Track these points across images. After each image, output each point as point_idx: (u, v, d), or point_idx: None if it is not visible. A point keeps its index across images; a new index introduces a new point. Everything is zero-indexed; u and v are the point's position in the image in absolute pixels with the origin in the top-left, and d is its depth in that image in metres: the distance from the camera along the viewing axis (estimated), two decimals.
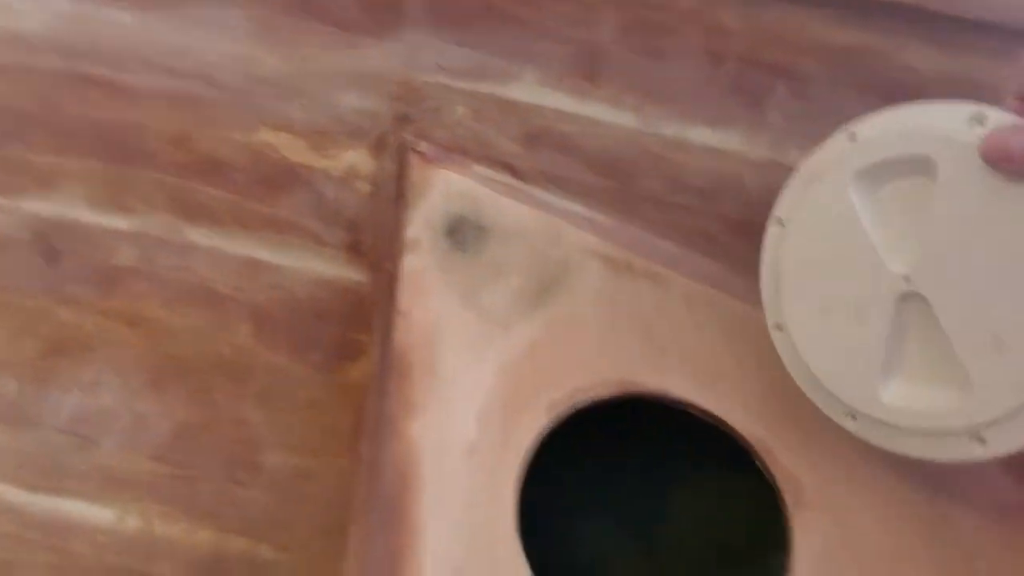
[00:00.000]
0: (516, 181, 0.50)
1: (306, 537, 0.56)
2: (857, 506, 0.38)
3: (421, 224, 0.46)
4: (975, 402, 0.32)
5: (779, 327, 0.39)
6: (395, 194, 0.48)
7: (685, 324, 0.43)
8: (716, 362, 0.41)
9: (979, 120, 0.31)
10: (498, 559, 0.32)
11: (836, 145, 0.38)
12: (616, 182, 0.48)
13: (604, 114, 0.47)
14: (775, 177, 0.42)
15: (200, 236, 0.60)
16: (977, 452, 0.32)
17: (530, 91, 0.49)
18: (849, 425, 0.37)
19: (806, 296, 0.38)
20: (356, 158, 0.55)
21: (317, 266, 0.58)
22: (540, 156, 0.49)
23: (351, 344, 0.57)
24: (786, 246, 0.39)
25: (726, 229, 0.46)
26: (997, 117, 0.31)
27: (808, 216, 0.38)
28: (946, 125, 0.32)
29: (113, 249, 0.61)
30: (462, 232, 0.46)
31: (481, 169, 0.50)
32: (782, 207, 0.40)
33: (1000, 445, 0.31)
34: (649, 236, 0.47)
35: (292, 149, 0.57)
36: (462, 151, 0.51)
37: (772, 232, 0.40)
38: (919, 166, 0.33)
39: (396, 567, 0.31)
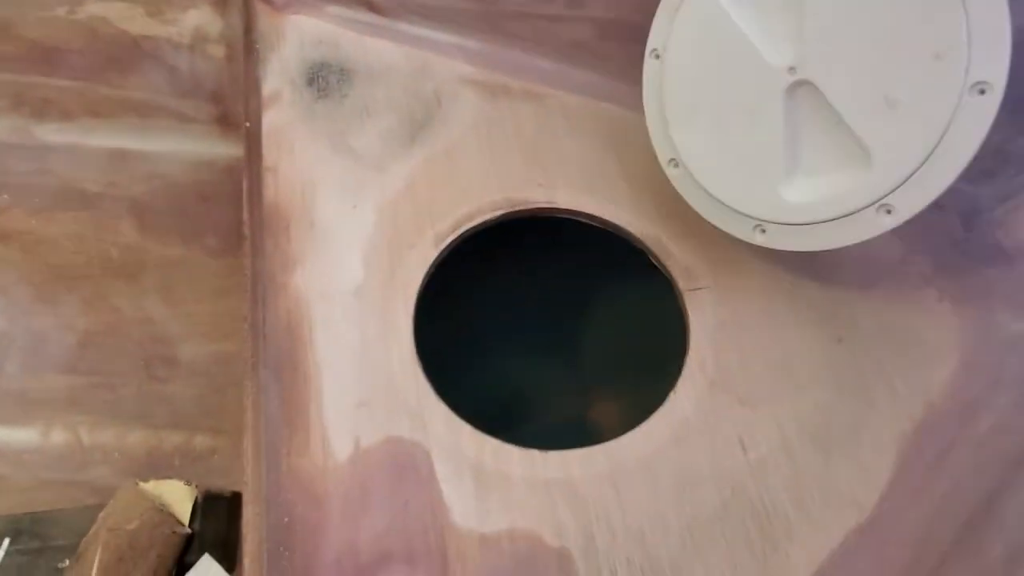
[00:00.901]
0: (376, 17, 0.46)
1: (238, 418, 0.55)
2: (741, 285, 0.39)
3: (278, 76, 0.43)
4: (877, 172, 0.32)
5: (674, 162, 0.39)
6: (245, 46, 0.44)
7: (567, 138, 0.42)
8: (602, 170, 0.41)
9: None
10: (402, 387, 0.33)
11: None
12: (481, 2, 0.45)
13: None
14: None
15: (53, 133, 0.55)
16: (887, 222, 0.32)
17: None
18: (759, 239, 0.37)
19: (697, 121, 0.37)
20: (200, 18, 0.50)
21: (189, 146, 0.54)
22: None
23: (243, 223, 0.55)
24: (667, 76, 0.38)
25: (597, 34, 0.44)
26: None
27: (683, 39, 0.38)
28: None
29: None
30: (324, 78, 0.43)
31: (336, 9, 0.46)
32: (655, 38, 0.39)
33: (907, 209, 0.31)
34: (522, 55, 0.45)
35: (127, 19, 0.51)
36: None
37: (650, 66, 0.39)
38: None
39: (294, 415, 0.31)
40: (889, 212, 0.32)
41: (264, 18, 0.44)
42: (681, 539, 0.29)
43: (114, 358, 0.57)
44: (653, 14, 0.40)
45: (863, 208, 0.32)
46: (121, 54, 0.52)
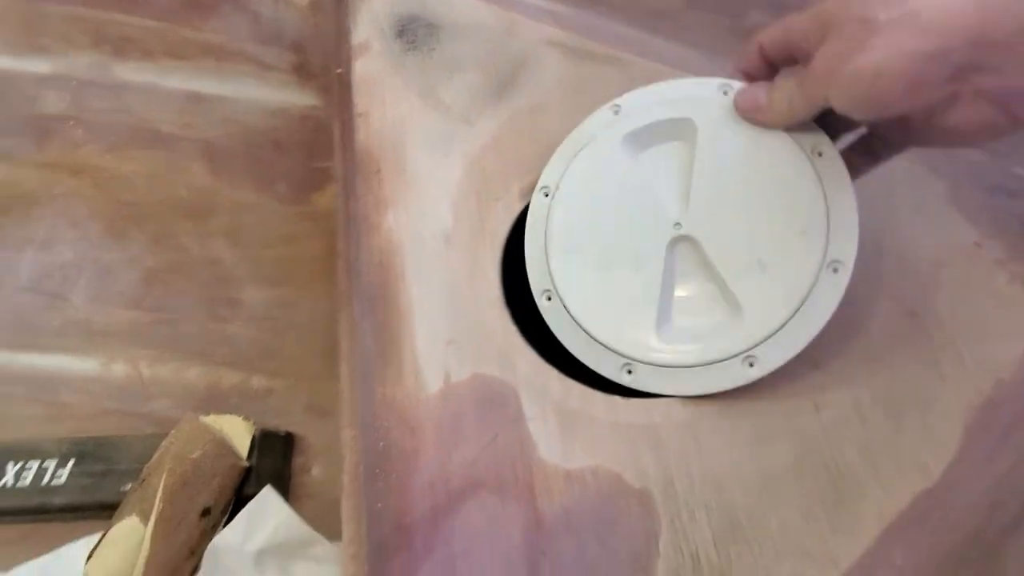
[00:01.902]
0: None
1: (295, 362, 0.57)
2: None
3: (368, 27, 0.44)
4: (746, 325, 0.34)
5: (548, 294, 0.38)
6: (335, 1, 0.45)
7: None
8: None
9: (725, 90, 0.37)
10: (490, 329, 0.34)
11: (601, 116, 0.41)
12: None
13: None
14: None
15: (131, 72, 0.57)
16: (751, 373, 0.34)
17: None
18: (625, 379, 0.36)
19: (579, 258, 0.38)
20: None
21: (266, 93, 0.55)
22: None
23: (315, 172, 0.56)
24: (555, 214, 0.39)
25: (683, 4, 0.45)
26: (739, 86, 0.37)
27: (577, 182, 0.40)
28: (701, 93, 0.38)
29: (38, 96, 0.58)
30: (412, 31, 0.44)
31: None
32: (548, 177, 0.40)
33: (769, 363, 0.33)
34: (606, 21, 0.46)
35: None
36: None
37: (538, 202, 0.40)
38: (679, 129, 0.38)
39: (387, 346, 0.32)
40: (752, 365, 0.34)
41: None
42: (756, 489, 0.30)
43: (178, 296, 0.58)
44: None
45: (730, 358, 0.34)
46: None
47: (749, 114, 0.35)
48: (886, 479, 0.31)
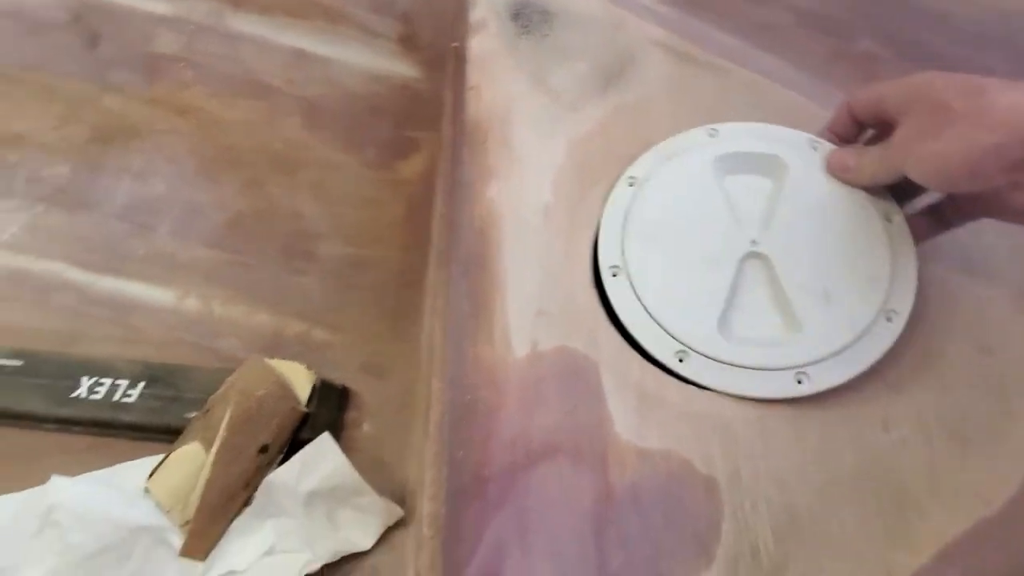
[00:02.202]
0: None
1: (358, 321, 0.59)
2: None
3: (486, 7, 0.45)
4: (801, 344, 0.37)
5: (615, 271, 0.40)
6: None
7: (746, 113, 0.43)
8: None
9: (814, 145, 0.43)
10: (579, 306, 0.36)
11: (697, 134, 0.44)
12: None
13: None
14: None
15: (245, 24, 0.59)
16: (799, 389, 0.36)
17: None
18: (677, 365, 0.38)
19: (652, 247, 0.41)
20: None
21: (370, 60, 0.57)
22: None
23: (405, 141, 0.58)
24: (637, 203, 0.42)
25: (793, 21, 0.46)
26: (826, 145, 0.43)
27: (664, 182, 0.43)
28: (792, 139, 0.43)
29: (154, 35, 0.61)
30: (527, 16, 0.46)
31: None
32: (636, 170, 0.43)
33: (817, 384, 0.36)
34: (712, 30, 0.47)
35: None
36: None
37: (622, 190, 0.43)
38: (767, 164, 0.43)
39: (480, 309, 0.34)
40: (800, 381, 0.36)
41: None
42: (819, 492, 0.31)
43: (258, 242, 0.61)
44: (855, 10, 0.42)
45: (782, 369, 0.37)
46: None
47: (838, 173, 0.41)
48: (947, 503, 0.32)
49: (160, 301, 0.60)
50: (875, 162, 0.38)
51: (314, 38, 0.57)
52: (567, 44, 0.45)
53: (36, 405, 0.53)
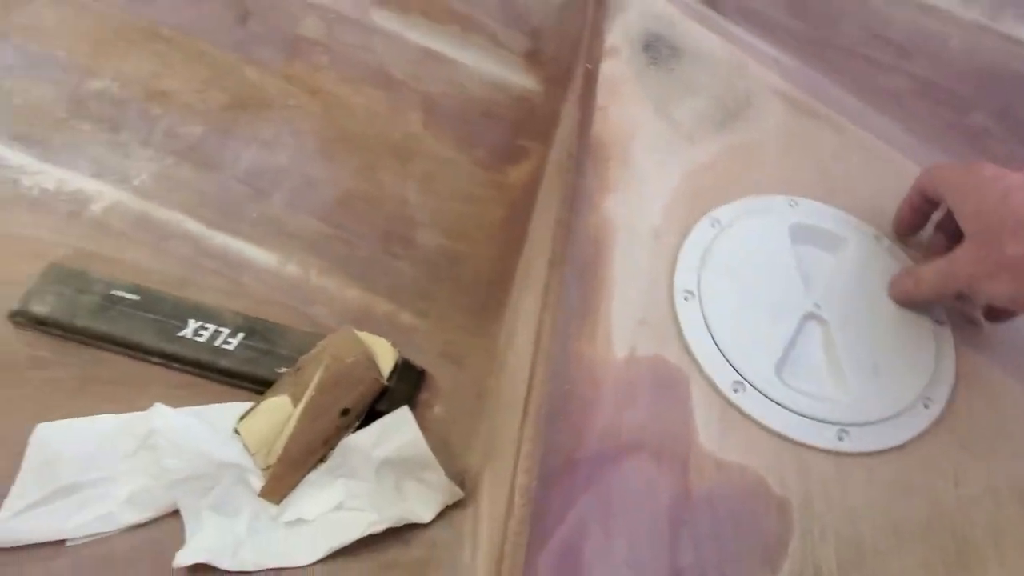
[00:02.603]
0: (711, 12, 0.52)
1: (445, 310, 0.63)
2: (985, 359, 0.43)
3: (620, 35, 0.49)
4: (847, 405, 0.40)
5: (687, 296, 0.43)
6: (596, 2, 0.50)
7: (858, 172, 0.46)
8: (883, 209, 0.45)
9: (877, 237, 0.48)
10: (677, 320, 0.38)
11: (780, 201, 0.47)
12: (812, 26, 0.50)
13: None
14: (983, 44, 0.43)
15: (384, 20, 0.64)
16: (840, 445, 0.39)
17: None
18: (731, 396, 0.40)
19: (726, 282, 0.44)
20: None
21: (494, 68, 0.61)
22: None
23: (515, 148, 0.62)
24: (719, 242, 0.46)
25: (914, 89, 0.48)
26: (886, 240, 0.48)
27: (744, 231, 0.46)
28: (861, 227, 0.48)
29: (300, 18, 0.66)
30: (657, 48, 0.49)
31: None
32: (722, 214, 0.47)
33: (858, 444, 0.39)
34: (833, 86, 0.49)
35: None
36: None
37: (705, 228, 0.46)
38: (836, 242, 0.47)
39: (587, 310, 0.37)
40: (841, 439, 0.39)
41: None
42: (885, 532, 0.33)
43: (362, 222, 0.65)
44: (972, 84, 0.44)
45: (827, 423, 0.39)
46: None
47: (901, 300, 0.45)
48: (1010, 565, 0.33)
49: (264, 262, 0.65)
50: (934, 287, 0.42)
51: (445, 41, 0.62)
52: (691, 80, 0.48)
53: (146, 338, 0.58)
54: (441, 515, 0.53)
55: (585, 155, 0.42)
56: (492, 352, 0.63)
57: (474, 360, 0.62)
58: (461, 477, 0.54)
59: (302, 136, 0.65)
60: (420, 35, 0.62)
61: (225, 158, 0.67)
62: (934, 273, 0.41)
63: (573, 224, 0.40)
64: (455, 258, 0.64)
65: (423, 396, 0.60)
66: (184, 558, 0.48)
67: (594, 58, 0.47)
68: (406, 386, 0.59)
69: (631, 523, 0.31)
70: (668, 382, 0.36)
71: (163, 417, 0.52)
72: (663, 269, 0.41)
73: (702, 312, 0.41)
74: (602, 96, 0.45)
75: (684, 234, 0.42)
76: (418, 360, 0.61)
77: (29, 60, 0.69)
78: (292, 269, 0.65)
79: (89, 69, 0.68)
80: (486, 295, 0.63)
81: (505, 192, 0.63)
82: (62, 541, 0.50)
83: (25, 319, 0.58)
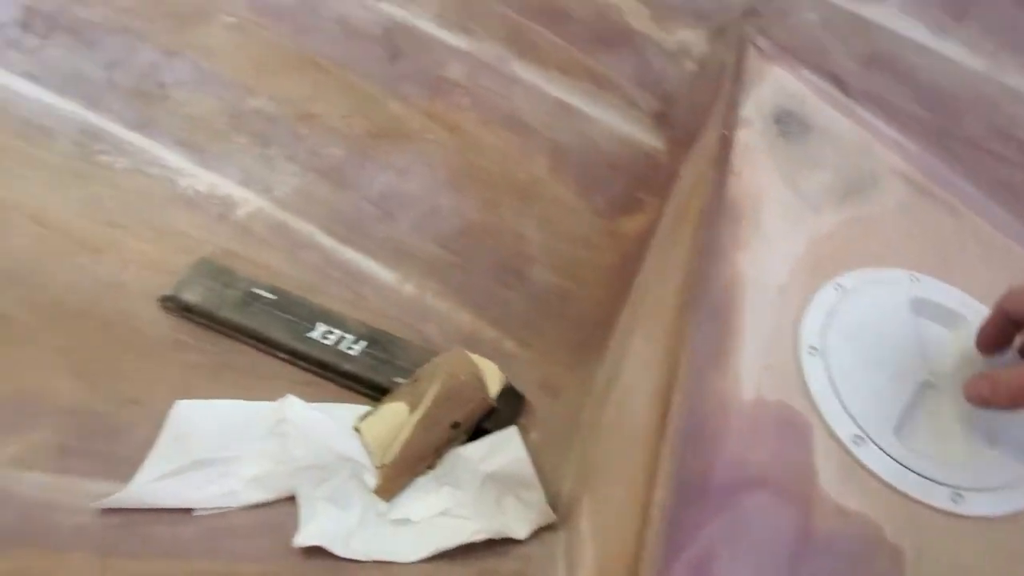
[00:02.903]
0: (841, 94, 0.56)
1: (550, 343, 0.67)
2: None
3: (753, 108, 0.53)
4: (964, 471, 0.42)
5: (812, 351, 0.45)
6: (733, 75, 0.55)
7: (975, 256, 0.49)
8: (998, 293, 0.47)
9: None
10: (802, 371, 0.42)
11: (899, 275, 0.50)
12: (939, 117, 0.54)
13: (957, 54, 0.52)
14: None
15: (524, 71, 0.70)
16: (951, 507, 0.40)
17: (890, 15, 0.54)
18: (851, 447, 0.42)
19: (851, 345, 0.47)
20: (692, 38, 0.63)
21: (622, 125, 0.67)
22: (874, 78, 0.55)
23: (633, 200, 0.66)
24: (844, 306, 0.48)
25: None
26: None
27: (870, 301, 0.49)
28: (980, 310, 0.48)
29: (447, 62, 0.73)
30: (787, 123, 0.53)
31: (810, 75, 0.56)
32: (846, 281, 0.49)
33: (971, 508, 0.40)
34: (953, 173, 0.53)
35: (635, 15, 0.65)
36: (798, 54, 0.57)
37: (830, 291, 0.48)
38: (954, 320, 0.49)
39: (719, 352, 0.41)
40: (955, 501, 0.40)
41: (753, 60, 0.55)
42: None
43: (480, 252, 0.70)
44: None
45: (944, 484, 0.41)
46: (613, 37, 0.65)
47: (976, 403, 0.44)
48: None
49: (385, 279, 0.71)
50: (1011, 395, 0.42)
51: (578, 95, 0.67)
52: (818, 154, 0.52)
53: (280, 335, 0.63)
54: (535, 534, 0.56)
55: (719, 213, 0.46)
56: (588, 387, 0.66)
57: (570, 393, 0.66)
58: (553, 501, 0.57)
59: (434, 168, 0.71)
60: (556, 88, 0.68)
61: (361, 180, 0.73)
62: (1010, 383, 0.41)
63: (707, 273, 0.44)
64: (563, 296, 0.68)
65: (521, 421, 0.63)
66: (303, 539, 0.52)
67: (730, 126, 0.51)
68: (509, 409, 0.62)
69: (756, 551, 0.34)
70: (792, 426, 0.39)
71: (294, 408, 0.57)
72: (789, 323, 0.44)
73: (826, 367, 0.44)
74: (736, 161, 0.50)
75: (809, 294, 0.46)
76: (517, 387, 0.65)
77: (199, 75, 0.77)
78: (410, 288, 0.70)
79: (250, 88, 0.76)
80: (588, 334, 0.67)
81: (618, 240, 0.67)
82: (189, 510, 0.55)
83: (174, 305, 0.64)
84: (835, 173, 0.52)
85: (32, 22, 0.79)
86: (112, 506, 0.53)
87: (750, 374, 0.41)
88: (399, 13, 0.73)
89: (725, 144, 0.51)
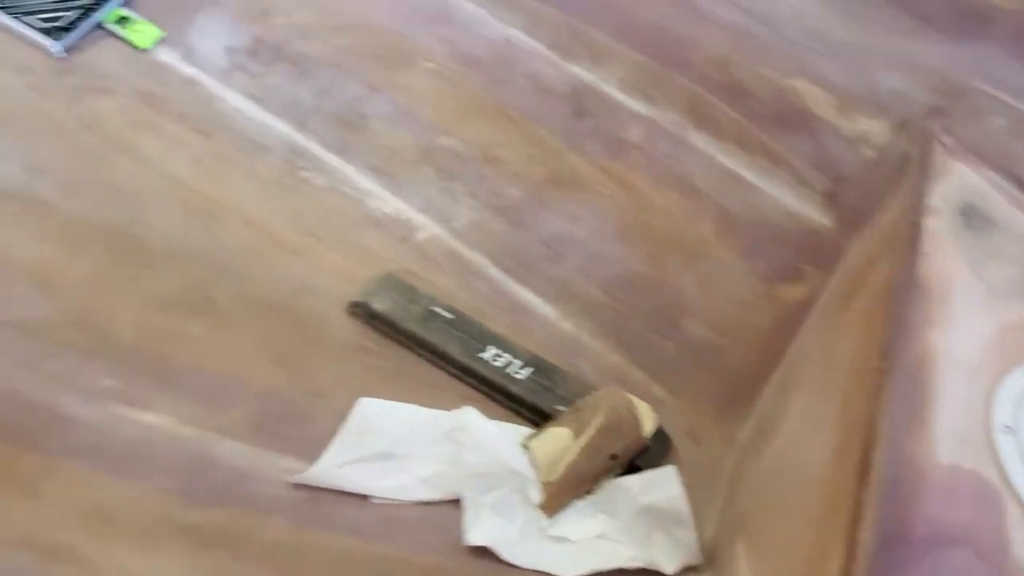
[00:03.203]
0: (1021, 194, 0.59)
1: (697, 393, 0.70)
2: None
3: (940, 198, 0.57)
4: None
5: (1007, 430, 0.46)
6: (917, 167, 0.59)
7: None
8: None
9: None
10: (997, 447, 0.44)
11: None
12: None
13: None
14: None
15: (701, 140, 0.75)
16: None
17: None
18: None
19: None
20: (873, 128, 0.67)
21: (791, 199, 0.71)
22: None
23: (795, 270, 0.70)
24: None
25: None
26: None
27: None
28: None
29: (627, 125, 0.79)
30: (972, 216, 0.57)
31: (993, 175, 0.60)
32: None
33: None
34: None
35: (817, 102, 0.69)
36: (984, 154, 0.60)
37: (1019, 376, 0.49)
38: None
39: (915, 420, 0.44)
40: None
41: (938, 155, 0.58)
42: None
43: (638, 300, 0.75)
44: None
45: None
46: (793, 119, 0.70)
47: None
48: None
49: (545, 313, 0.76)
50: None
51: (751, 169, 0.72)
52: (1004, 249, 0.54)
53: (453, 350, 0.69)
54: (680, 572, 0.58)
55: (912, 291, 0.50)
56: (731, 439, 0.69)
57: (713, 442, 0.69)
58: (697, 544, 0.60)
59: (604, 219, 0.77)
60: (728, 158, 0.73)
61: (534, 221, 0.79)
62: None
63: (897, 347, 0.47)
64: (715, 350, 0.72)
65: (666, 463, 0.67)
66: (473, 538, 0.56)
67: (918, 213, 0.55)
68: (659, 450, 0.66)
69: None
70: (987, 497, 0.42)
71: (471, 417, 0.62)
72: (981, 400, 0.47)
73: (1019, 446, 0.46)
74: (925, 245, 0.53)
75: (999, 376, 0.48)
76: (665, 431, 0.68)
77: (396, 111, 0.86)
78: (568, 325, 0.75)
79: (442, 128, 0.84)
80: (736, 389, 0.71)
81: (776, 305, 0.70)
82: (365, 496, 0.60)
83: (362, 311, 0.71)
84: (1020, 268, 0.54)
85: (259, 51, 0.89)
86: (302, 482, 0.59)
87: (944, 443, 0.43)
88: (587, 76, 0.80)
89: (914, 229, 0.54)
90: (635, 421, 0.64)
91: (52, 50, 0.83)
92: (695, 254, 0.73)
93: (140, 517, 0.53)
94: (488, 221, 0.80)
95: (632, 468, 0.63)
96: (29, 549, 0.48)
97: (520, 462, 0.60)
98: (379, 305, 0.71)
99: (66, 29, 0.84)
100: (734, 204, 0.72)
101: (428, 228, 0.80)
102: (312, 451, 0.62)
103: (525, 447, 0.62)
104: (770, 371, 0.68)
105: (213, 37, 0.89)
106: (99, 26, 0.86)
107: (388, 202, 0.81)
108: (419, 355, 0.70)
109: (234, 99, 0.86)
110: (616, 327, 0.74)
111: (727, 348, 0.71)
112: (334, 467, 0.60)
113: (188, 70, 0.86)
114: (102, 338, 0.65)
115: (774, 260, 0.71)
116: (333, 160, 0.83)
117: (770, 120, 0.72)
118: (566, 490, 0.60)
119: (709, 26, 0.73)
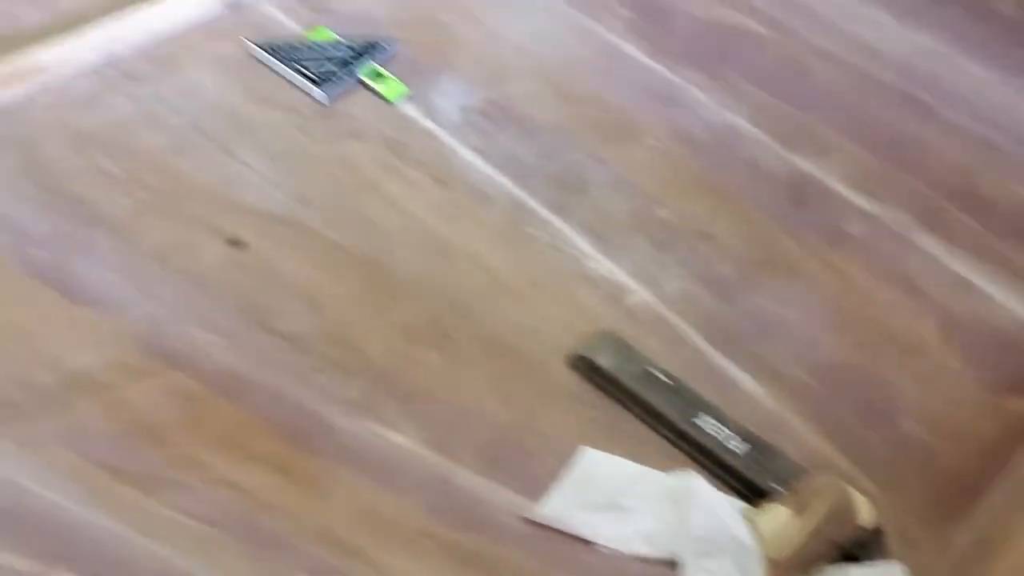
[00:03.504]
0: None
1: (905, 492, 0.70)
2: None
3: None
4: None
5: None
6: None
7: None
8: None
9: None
10: None
11: None
12: None
13: None
14: None
15: (928, 243, 0.77)
16: None
17: None
18: None
19: None
20: None
21: None
22: None
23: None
24: None
25: None
26: None
27: None
28: None
29: (849, 218, 0.81)
30: None
31: None
32: None
33: None
34: None
35: None
36: None
37: None
38: None
39: None
40: None
41: None
42: None
43: (847, 390, 0.76)
44: None
45: None
46: None
47: None
48: None
49: (750, 390, 0.77)
50: None
51: (985, 276, 0.72)
52: None
53: (669, 411, 0.71)
54: None
55: None
56: (941, 546, 0.68)
57: (928, 547, 0.68)
58: None
59: (817, 305, 0.79)
60: (960, 264, 0.73)
61: (744, 299, 0.82)
62: None
63: None
64: (930, 451, 0.71)
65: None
66: None
67: None
68: (876, 545, 0.66)
69: None
70: None
71: (696, 481, 0.64)
72: None
73: None
74: None
75: None
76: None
77: (616, 180, 0.91)
78: (772, 405, 0.76)
79: (659, 200, 0.89)
80: (951, 495, 0.70)
81: (1001, 415, 0.70)
82: (587, 541, 0.63)
83: (583, 364, 0.75)
84: None
85: (490, 111, 0.97)
86: (534, 519, 0.62)
87: None
88: (808, 167, 0.84)
89: None
90: (855, 511, 0.64)
91: (318, 97, 0.93)
92: (913, 352, 0.74)
93: (406, 528, 0.57)
94: (697, 293, 0.83)
95: (849, 559, 0.63)
96: (327, 543, 0.53)
97: (745, 533, 0.62)
98: (603, 360, 0.74)
99: (326, 79, 0.95)
100: (961, 309, 0.73)
101: (639, 293, 0.84)
102: (535, 489, 0.65)
103: (748, 520, 0.63)
104: (990, 480, 0.67)
105: (451, 97, 0.98)
106: (356, 78, 0.96)
107: (602, 263, 0.86)
108: (632, 412, 0.73)
109: (465, 153, 0.94)
110: (824, 413, 0.75)
111: (943, 450, 0.71)
112: (563, 510, 0.63)
113: (427, 124, 0.95)
114: (358, 358, 0.72)
115: (1004, 370, 0.70)
116: (552, 218, 0.89)
117: (1012, 233, 0.72)
118: (791, 571, 0.61)
119: (949, 134, 0.75)
